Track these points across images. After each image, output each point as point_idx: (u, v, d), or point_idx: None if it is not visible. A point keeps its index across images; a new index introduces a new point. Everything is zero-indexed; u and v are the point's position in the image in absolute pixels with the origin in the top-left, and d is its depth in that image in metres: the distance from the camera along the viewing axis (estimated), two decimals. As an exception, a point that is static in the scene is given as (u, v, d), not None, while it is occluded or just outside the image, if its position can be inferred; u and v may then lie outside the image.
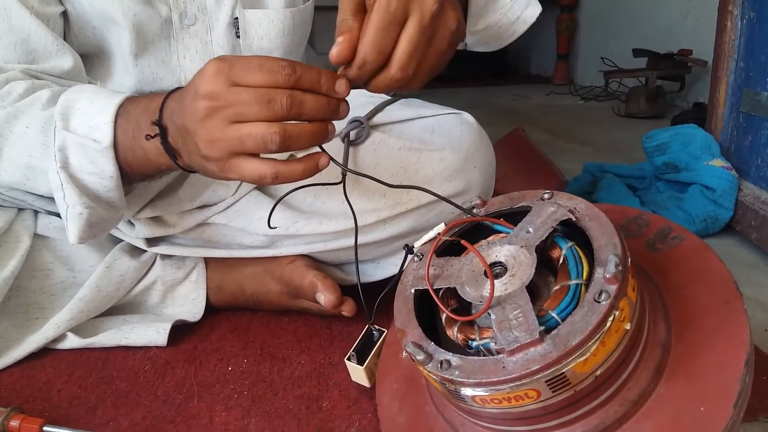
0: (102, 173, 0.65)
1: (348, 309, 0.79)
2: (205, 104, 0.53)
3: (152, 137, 0.60)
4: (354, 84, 0.55)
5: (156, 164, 0.64)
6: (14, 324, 0.79)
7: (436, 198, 0.76)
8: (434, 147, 0.80)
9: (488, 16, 0.74)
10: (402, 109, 0.84)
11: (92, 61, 0.81)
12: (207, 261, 0.88)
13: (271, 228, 0.75)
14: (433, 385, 0.55)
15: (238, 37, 0.82)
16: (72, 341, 0.78)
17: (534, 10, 0.76)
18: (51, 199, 0.69)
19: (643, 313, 0.48)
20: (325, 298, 0.78)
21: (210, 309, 0.86)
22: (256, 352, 0.79)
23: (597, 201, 1.22)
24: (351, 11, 0.53)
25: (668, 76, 2.61)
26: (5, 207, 0.82)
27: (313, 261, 0.85)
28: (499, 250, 0.50)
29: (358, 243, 0.81)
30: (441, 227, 0.56)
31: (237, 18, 0.80)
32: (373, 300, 0.67)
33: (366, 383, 0.68)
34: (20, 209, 0.83)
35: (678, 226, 0.55)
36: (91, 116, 0.64)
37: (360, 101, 0.85)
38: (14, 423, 0.63)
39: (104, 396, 0.70)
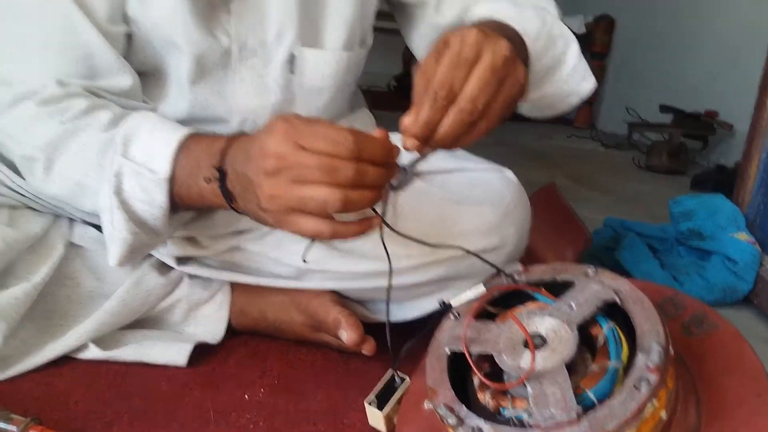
0: (153, 202, 0.66)
1: (368, 348, 0.79)
2: (272, 162, 0.56)
3: (210, 181, 0.63)
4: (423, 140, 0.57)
5: (208, 203, 0.66)
6: (37, 329, 0.79)
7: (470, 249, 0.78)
8: (474, 201, 0.80)
9: (545, 86, 0.76)
10: (445, 159, 0.85)
11: (148, 80, 0.83)
12: (233, 285, 0.88)
13: (305, 262, 0.76)
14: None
15: (293, 73, 0.83)
16: (93, 352, 0.79)
17: (589, 84, 0.78)
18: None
19: (677, 398, 0.48)
20: (347, 335, 0.78)
21: (230, 331, 0.87)
22: (273, 382, 0.79)
23: (619, 260, 1.22)
24: (423, 87, 0.56)
25: (692, 135, 2.62)
26: (42, 213, 0.83)
27: (339, 296, 0.86)
28: (539, 321, 0.50)
29: (385, 286, 0.82)
30: (480, 289, 0.57)
31: (294, 55, 0.81)
32: (397, 343, 0.68)
33: (383, 429, 0.68)
34: (57, 216, 0.84)
35: (713, 312, 0.56)
36: (152, 146, 0.66)
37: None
38: (32, 433, 0.63)
39: (121, 412, 0.71)
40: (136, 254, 0.70)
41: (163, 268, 0.86)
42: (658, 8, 3.15)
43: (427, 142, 0.59)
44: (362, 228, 0.60)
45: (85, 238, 0.84)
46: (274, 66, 0.81)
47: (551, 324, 0.49)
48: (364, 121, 1.06)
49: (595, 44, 3.54)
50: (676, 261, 1.23)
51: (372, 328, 0.80)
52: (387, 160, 0.56)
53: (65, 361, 0.78)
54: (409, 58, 4.05)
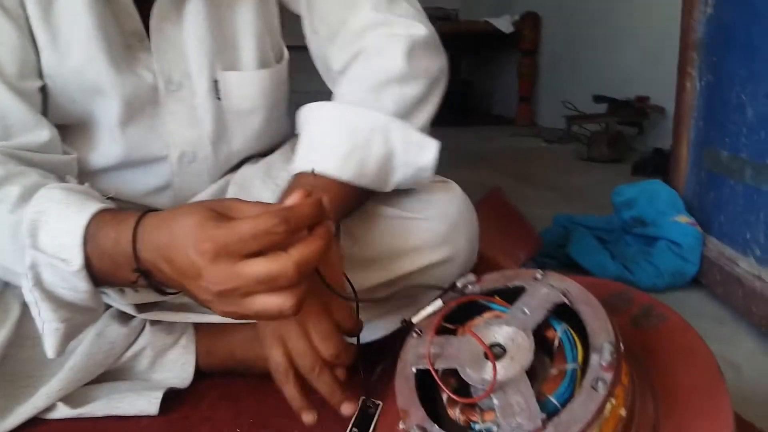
0: (76, 289, 0.64)
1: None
2: (214, 288, 0.54)
3: (136, 281, 0.61)
4: None
5: (141, 288, 0.65)
6: (1, 393, 0.78)
7: (425, 264, 0.80)
8: (422, 216, 0.83)
9: (390, 180, 0.79)
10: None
11: (73, 132, 0.82)
12: (196, 326, 0.88)
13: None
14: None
15: (219, 99, 0.84)
16: (62, 411, 0.77)
17: (430, 154, 0.78)
18: None
19: (634, 394, 0.51)
20: (317, 365, 0.79)
21: (198, 373, 0.87)
22: (248, 421, 0.79)
23: (570, 254, 1.27)
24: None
25: (627, 122, 2.72)
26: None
27: (304, 327, 0.86)
28: (497, 330, 0.53)
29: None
30: (438, 303, 0.59)
31: (216, 80, 0.83)
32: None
33: None
34: (8, 278, 0.82)
35: (660, 304, 0.59)
36: (58, 234, 0.62)
37: None
38: (9, 503, 0.62)
39: (98, 470, 0.70)
40: (73, 337, 0.69)
41: (123, 317, 0.85)
42: (582, 0, 3.26)
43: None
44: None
45: (40, 297, 0.82)
46: (201, 95, 0.82)
47: (508, 332, 0.52)
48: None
49: (525, 41, 3.65)
50: (625, 250, 1.29)
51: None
52: (320, 219, 0.56)
53: (35, 423, 0.77)
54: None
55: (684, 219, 1.21)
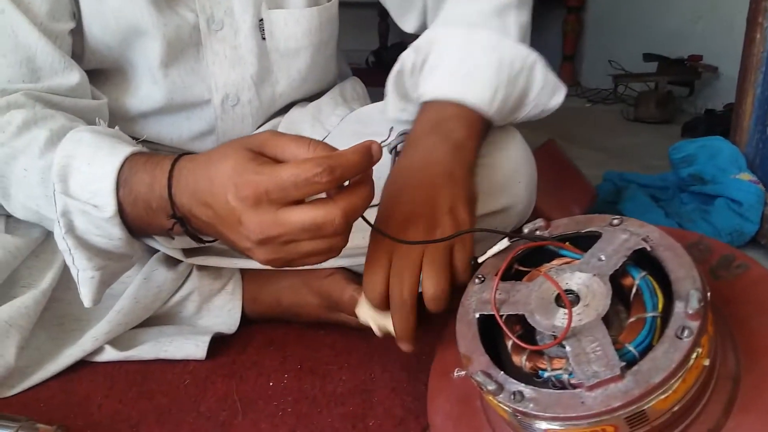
0: (110, 236, 0.62)
1: (387, 324, 0.78)
2: (255, 236, 0.52)
3: (172, 229, 0.59)
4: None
5: (176, 235, 0.62)
6: (50, 336, 0.78)
7: (481, 213, 0.77)
8: (481, 162, 0.79)
9: (516, 116, 0.77)
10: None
11: (110, 76, 0.81)
12: (243, 272, 0.87)
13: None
14: (494, 412, 0.55)
15: (264, 39, 0.81)
16: (110, 354, 0.77)
17: (559, 96, 0.77)
18: None
19: (716, 344, 0.48)
20: (365, 313, 0.77)
21: (244, 320, 0.86)
22: (296, 367, 0.78)
23: (622, 212, 1.22)
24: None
25: (678, 82, 2.61)
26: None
27: (351, 274, 0.85)
28: (569, 277, 0.49)
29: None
30: (505, 243, 0.56)
31: (262, 19, 0.80)
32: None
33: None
34: (56, 219, 0.82)
35: (742, 254, 0.55)
36: (89, 180, 0.60)
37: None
38: (60, 441, 0.62)
39: (146, 412, 0.70)
40: (110, 283, 0.67)
41: (170, 261, 0.84)
42: (633, -45, 3.12)
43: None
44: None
45: (88, 239, 0.82)
46: (244, 34, 0.79)
47: (582, 279, 0.49)
48: (356, 89, 1.04)
49: (571, -2, 3.51)
50: (680, 208, 1.23)
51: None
52: (369, 166, 0.52)
53: (82, 365, 0.77)
54: (385, 32, 4.00)
55: (746, 176, 1.15)
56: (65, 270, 0.79)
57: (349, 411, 0.70)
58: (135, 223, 0.61)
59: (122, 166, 0.60)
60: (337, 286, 0.82)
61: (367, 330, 0.84)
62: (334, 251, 0.55)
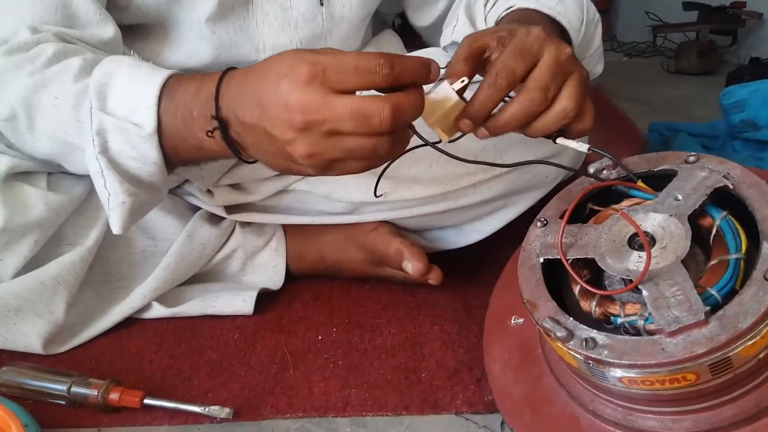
0: (145, 159, 0.59)
1: (435, 277, 0.77)
2: (300, 117, 0.48)
3: (212, 133, 0.55)
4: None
5: (210, 153, 0.58)
6: (97, 294, 0.78)
7: (529, 159, 0.74)
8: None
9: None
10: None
11: (154, 30, 0.78)
12: (286, 228, 0.86)
13: (377, 196, 0.71)
14: (558, 360, 0.53)
15: (322, 4, 0.78)
16: (158, 310, 0.77)
17: (601, 67, 0.79)
18: None
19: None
20: (412, 266, 0.76)
21: (289, 276, 0.85)
22: (343, 321, 0.77)
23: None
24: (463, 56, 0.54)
25: (720, 30, 2.51)
26: (81, 176, 0.80)
27: (396, 228, 0.83)
28: (643, 218, 0.47)
29: (447, 209, 0.79)
30: (585, 146, 0.53)
31: None
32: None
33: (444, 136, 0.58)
34: (97, 177, 0.81)
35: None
36: (130, 96, 0.58)
37: None
38: (114, 396, 0.62)
39: (197, 366, 0.70)
40: (137, 216, 0.64)
41: (213, 219, 0.83)
42: None
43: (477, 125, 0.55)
44: (401, 151, 0.54)
45: (130, 197, 0.81)
46: None
47: (658, 219, 0.46)
48: (392, 42, 1.01)
49: (605, -52, 3.38)
50: (732, 156, 1.17)
51: (432, 258, 0.77)
52: (426, 78, 0.50)
53: (130, 322, 0.77)
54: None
55: (804, 122, 1.09)
56: (110, 228, 0.78)
57: (400, 363, 0.69)
58: (171, 141, 0.58)
59: (165, 82, 0.58)
60: (382, 240, 0.80)
61: (411, 285, 0.83)
62: (377, 157, 0.51)
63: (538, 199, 0.82)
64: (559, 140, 0.53)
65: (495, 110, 0.54)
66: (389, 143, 0.50)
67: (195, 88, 0.56)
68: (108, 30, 0.70)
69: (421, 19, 0.94)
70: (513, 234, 0.73)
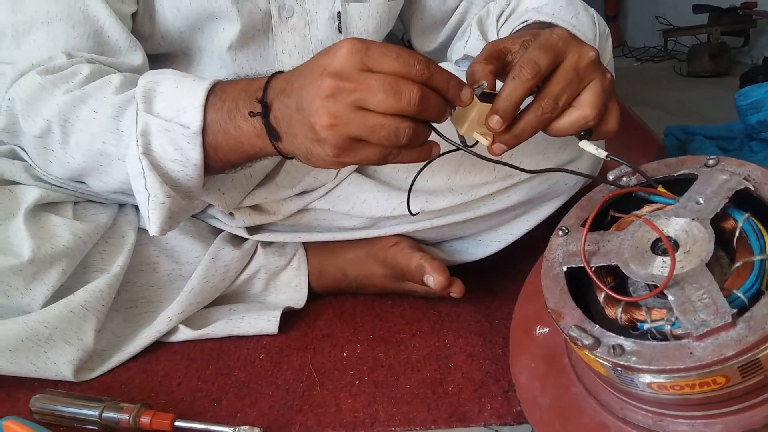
0: (186, 161, 0.60)
1: (457, 290, 0.77)
2: (331, 82, 0.50)
3: (255, 114, 0.56)
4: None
5: (248, 147, 0.59)
6: (125, 319, 0.79)
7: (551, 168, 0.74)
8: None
9: None
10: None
11: (176, 59, 0.80)
12: (307, 247, 0.86)
13: (413, 214, 0.71)
14: (585, 368, 0.53)
15: (341, 32, 0.79)
16: (184, 333, 0.78)
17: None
18: None
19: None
20: (434, 280, 0.76)
21: (312, 295, 0.85)
22: (368, 337, 0.77)
23: (689, 166, 1.17)
24: (485, 57, 0.54)
25: (731, 32, 2.50)
26: (106, 204, 0.81)
27: (416, 242, 0.83)
28: (665, 223, 0.47)
29: (466, 219, 0.80)
30: (603, 153, 0.53)
31: (339, 12, 0.78)
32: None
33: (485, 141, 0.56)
34: (121, 205, 0.82)
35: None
36: (177, 99, 0.60)
37: None
38: (145, 419, 0.63)
39: (225, 387, 0.70)
40: (174, 221, 0.65)
41: (235, 240, 0.84)
42: None
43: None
44: (422, 153, 0.55)
45: (153, 222, 0.82)
46: (317, 25, 0.78)
47: (681, 224, 0.46)
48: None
49: (613, -47, 3.39)
50: (750, 157, 1.17)
51: (453, 271, 0.78)
52: (455, 94, 0.51)
53: (158, 346, 0.78)
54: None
55: (822, 120, 1.09)
56: (135, 254, 0.80)
57: (426, 377, 0.69)
58: (213, 138, 0.59)
59: (213, 86, 0.60)
60: (403, 255, 0.80)
61: (433, 298, 0.83)
62: (396, 144, 0.51)
63: (558, 207, 0.83)
64: (581, 144, 0.54)
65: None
66: (411, 131, 0.50)
67: (246, 84, 0.58)
68: (137, 57, 0.72)
69: (425, 45, 0.94)
70: (533, 245, 0.73)
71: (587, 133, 0.54)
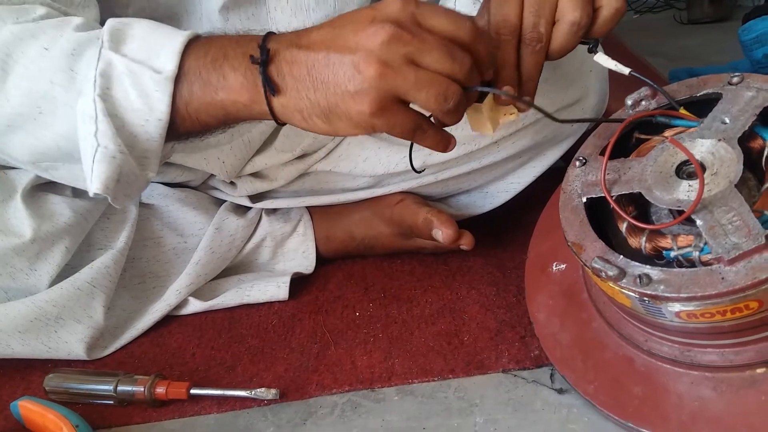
0: (150, 113, 0.51)
1: (467, 242, 0.75)
2: (389, 28, 0.45)
3: (255, 60, 0.49)
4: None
5: (228, 103, 0.51)
6: (133, 295, 0.78)
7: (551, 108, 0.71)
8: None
9: None
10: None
11: (163, 20, 0.77)
12: (312, 212, 0.85)
13: (417, 171, 0.67)
14: (607, 302, 0.51)
15: None
16: (195, 305, 0.77)
17: None
18: None
19: None
20: (443, 233, 0.74)
21: (320, 259, 0.84)
22: (379, 296, 0.76)
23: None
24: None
25: (731, -26, 2.44)
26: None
27: (421, 198, 0.82)
28: (690, 145, 0.44)
29: (471, 170, 0.78)
30: (626, 70, 0.51)
31: None
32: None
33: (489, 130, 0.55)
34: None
35: None
36: (152, 42, 0.52)
37: None
38: (160, 389, 0.62)
39: (239, 354, 0.69)
40: (119, 189, 0.54)
41: (239, 210, 0.83)
42: None
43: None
44: (446, 142, 0.52)
45: (154, 196, 0.81)
46: None
47: (706, 145, 0.43)
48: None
49: None
50: (759, 94, 1.14)
51: (461, 226, 0.76)
52: (490, 66, 0.50)
53: (170, 320, 0.77)
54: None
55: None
56: (138, 229, 0.78)
57: (441, 329, 0.68)
58: (189, 87, 0.51)
59: (197, 35, 0.53)
60: (409, 211, 0.79)
61: (442, 254, 0.81)
62: (449, 98, 0.46)
63: (565, 151, 0.80)
64: (597, 58, 0.51)
65: None
66: (459, 95, 0.47)
67: (236, 37, 0.52)
68: (92, 13, 0.64)
69: None
70: (541, 196, 0.71)
71: (594, 43, 0.51)
